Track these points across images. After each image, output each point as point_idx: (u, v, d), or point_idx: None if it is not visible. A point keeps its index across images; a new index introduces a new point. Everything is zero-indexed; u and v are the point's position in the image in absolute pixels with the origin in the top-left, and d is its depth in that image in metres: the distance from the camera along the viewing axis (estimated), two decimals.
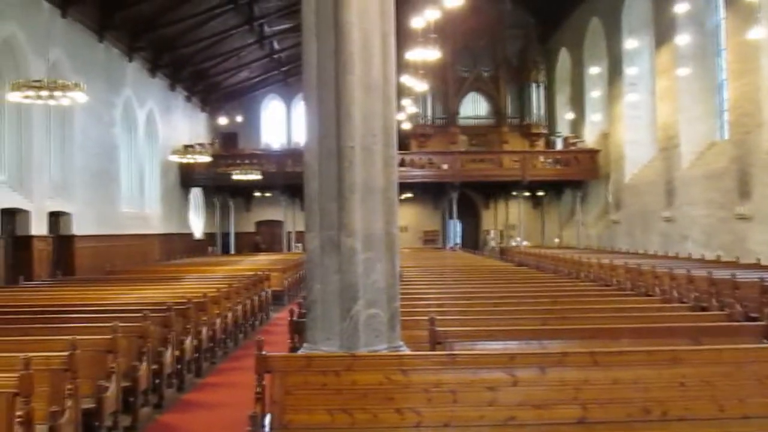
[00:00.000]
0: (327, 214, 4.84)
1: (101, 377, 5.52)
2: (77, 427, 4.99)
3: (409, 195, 29.45)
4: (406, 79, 19.59)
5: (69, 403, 4.82)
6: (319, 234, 4.87)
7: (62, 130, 17.57)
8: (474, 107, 31.47)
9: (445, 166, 28.16)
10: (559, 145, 29.83)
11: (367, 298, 4.82)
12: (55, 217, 17.01)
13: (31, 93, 10.75)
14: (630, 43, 22.24)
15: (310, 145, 5.00)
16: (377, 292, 4.87)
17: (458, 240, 30.34)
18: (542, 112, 30.72)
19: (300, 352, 5.00)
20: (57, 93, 10.72)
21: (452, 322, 6.27)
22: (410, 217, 31.02)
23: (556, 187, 29.76)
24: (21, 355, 4.51)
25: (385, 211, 4.95)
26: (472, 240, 31.76)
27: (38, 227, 15.84)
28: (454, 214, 28.74)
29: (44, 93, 10.61)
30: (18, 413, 4.15)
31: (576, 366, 4.52)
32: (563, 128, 30.41)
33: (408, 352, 4.91)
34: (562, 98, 30.76)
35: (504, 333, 5.91)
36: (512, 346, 5.57)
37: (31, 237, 15.48)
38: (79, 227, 17.85)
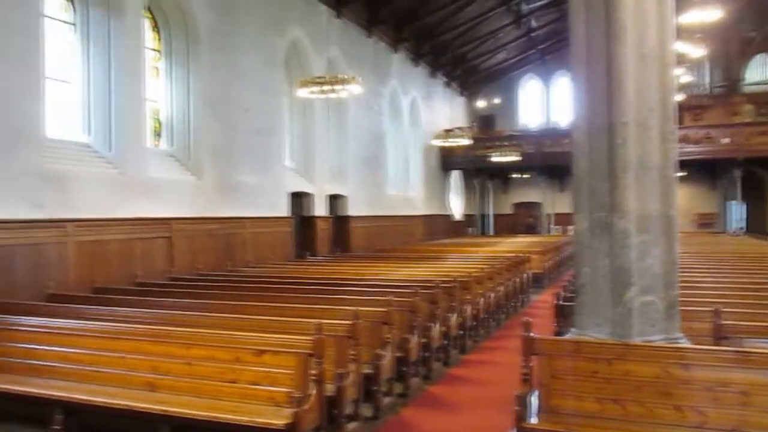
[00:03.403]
0: (597, 195, 4.63)
1: (378, 346, 6.01)
2: (359, 389, 5.51)
3: (682, 173, 26.82)
4: (679, 46, 17.76)
5: (352, 366, 5.34)
6: (589, 215, 4.68)
7: (338, 120, 19.42)
8: (763, 71, 27.48)
9: (726, 141, 25.05)
10: None
11: (642, 284, 4.52)
12: (333, 200, 18.89)
13: (315, 88, 12.08)
14: None
15: (578, 123, 4.81)
16: (653, 278, 4.54)
17: (742, 224, 26.86)
18: None
19: (567, 337, 4.88)
20: (336, 87, 11.88)
21: (740, 316, 5.58)
22: (682, 198, 28.17)
23: None
24: (314, 321, 5.12)
25: (662, 191, 4.58)
26: (760, 224, 27.87)
27: (320, 208, 17.76)
28: (737, 195, 25.48)
29: (326, 87, 11.85)
30: (312, 372, 4.71)
31: None
32: None
33: (688, 345, 4.50)
34: None
35: None
36: None
37: (315, 217, 17.43)
38: (352, 208, 19.62)
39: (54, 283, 8.88)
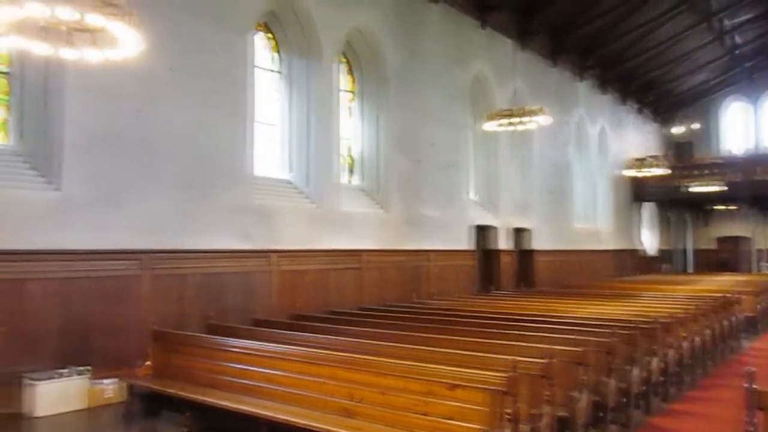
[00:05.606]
0: None
1: (572, 388, 5.71)
2: None
3: None
4: None
5: (546, 408, 5.11)
6: None
7: (522, 152, 19.15)
8: None
9: None
10: None
11: None
12: (517, 233, 18.56)
13: (503, 121, 12.06)
14: None
15: None
16: None
17: None
18: None
19: None
20: (524, 119, 11.76)
21: None
22: None
23: None
24: (505, 357, 5.00)
25: None
26: None
27: (504, 242, 17.53)
28: None
29: (513, 120, 11.79)
30: (506, 410, 4.58)
31: None
32: None
33: None
34: None
35: None
36: None
37: (499, 251, 17.23)
38: (537, 242, 19.11)
39: (259, 309, 9.66)
